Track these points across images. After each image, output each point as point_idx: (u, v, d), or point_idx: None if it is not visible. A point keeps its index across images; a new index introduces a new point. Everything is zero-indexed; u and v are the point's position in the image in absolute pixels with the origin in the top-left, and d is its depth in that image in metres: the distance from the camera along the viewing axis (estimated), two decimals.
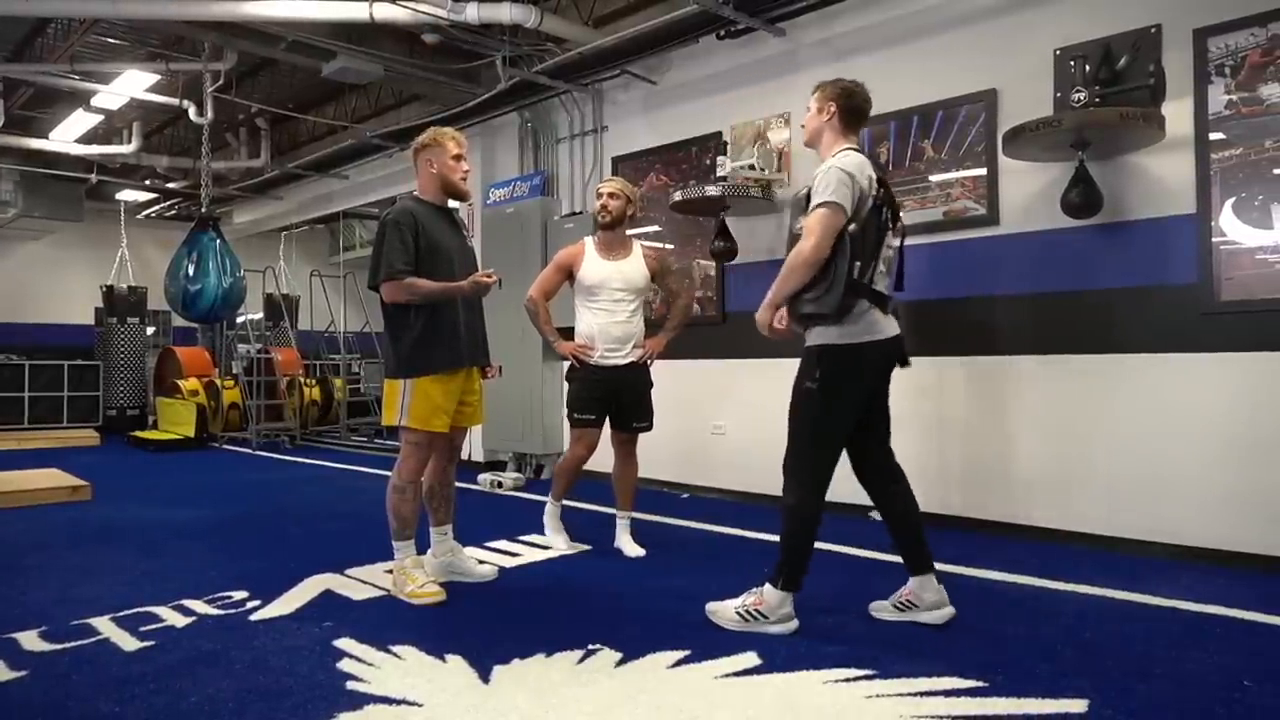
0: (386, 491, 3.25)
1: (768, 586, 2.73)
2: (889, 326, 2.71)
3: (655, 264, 3.89)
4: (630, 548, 3.83)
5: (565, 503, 4.08)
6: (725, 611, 2.78)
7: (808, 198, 2.73)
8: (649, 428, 3.89)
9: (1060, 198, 3.81)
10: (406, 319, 3.15)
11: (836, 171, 2.62)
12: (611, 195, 3.79)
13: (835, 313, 2.61)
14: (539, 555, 3.82)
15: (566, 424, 4.01)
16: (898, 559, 3.65)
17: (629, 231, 3.94)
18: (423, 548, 3.34)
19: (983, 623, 2.79)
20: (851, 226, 2.60)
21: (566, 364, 3.91)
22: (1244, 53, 3.49)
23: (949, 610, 2.77)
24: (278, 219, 11.33)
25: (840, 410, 2.72)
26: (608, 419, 3.85)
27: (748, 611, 2.73)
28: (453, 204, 3.39)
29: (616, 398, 3.80)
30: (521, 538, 4.15)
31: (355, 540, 4.07)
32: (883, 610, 2.86)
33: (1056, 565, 3.48)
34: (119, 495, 5.65)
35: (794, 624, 2.72)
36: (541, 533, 4.10)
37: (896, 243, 2.79)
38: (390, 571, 3.31)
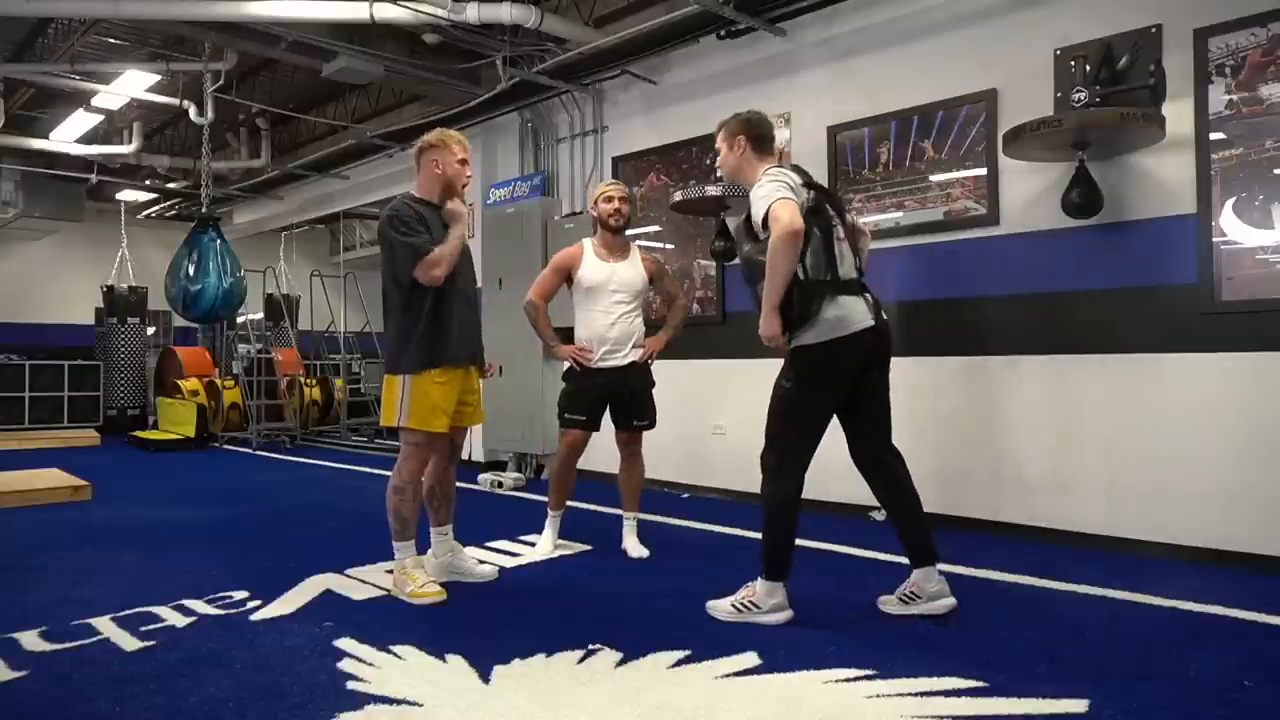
0: (386, 492, 3.24)
1: (758, 579, 2.84)
2: (861, 318, 2.76)
3: (653, 267, 3.90)
4: (635, 548, 3.84)
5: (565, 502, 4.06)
6: (722, 606, 2.88)
7: (748, 220, 2.82)
8: (650, 426, 3.88)
9: (1060, 198, 3.81)
10: (412, 315, 3.15)
11: (768, 182, 2.73)
12: (623, 199, 3.78)
13: (800, 316, 2.70)
14: (539, 555, 3.82)
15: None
16: (897, 559, 3.67)
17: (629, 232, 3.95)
18: (423, 548, 3.35)
19: (983, 623, 2.79)
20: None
21: (566, 364, 3.91)
22: (1244, 53, 3.49)
23: (950, 600, 2.81)
24: (278, 219, 11.33)
25: (814, 406, 2.81)
26: (611, 419, 3.85)
27: (741, 604, 2.83)
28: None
29: (614, 399, 3.81)
30: (521, 538, 4.15)
31: (355, 540, 4.08)
32: (889, 604, 2.90)
33: (1056, 565, 3.48)
34: (119, 495, 5.65)
35: (787, 614, 2.79)
36: (541, 533, 4.10)
37: (843, 233, 2.86)
38: (390, 571, 3.31)
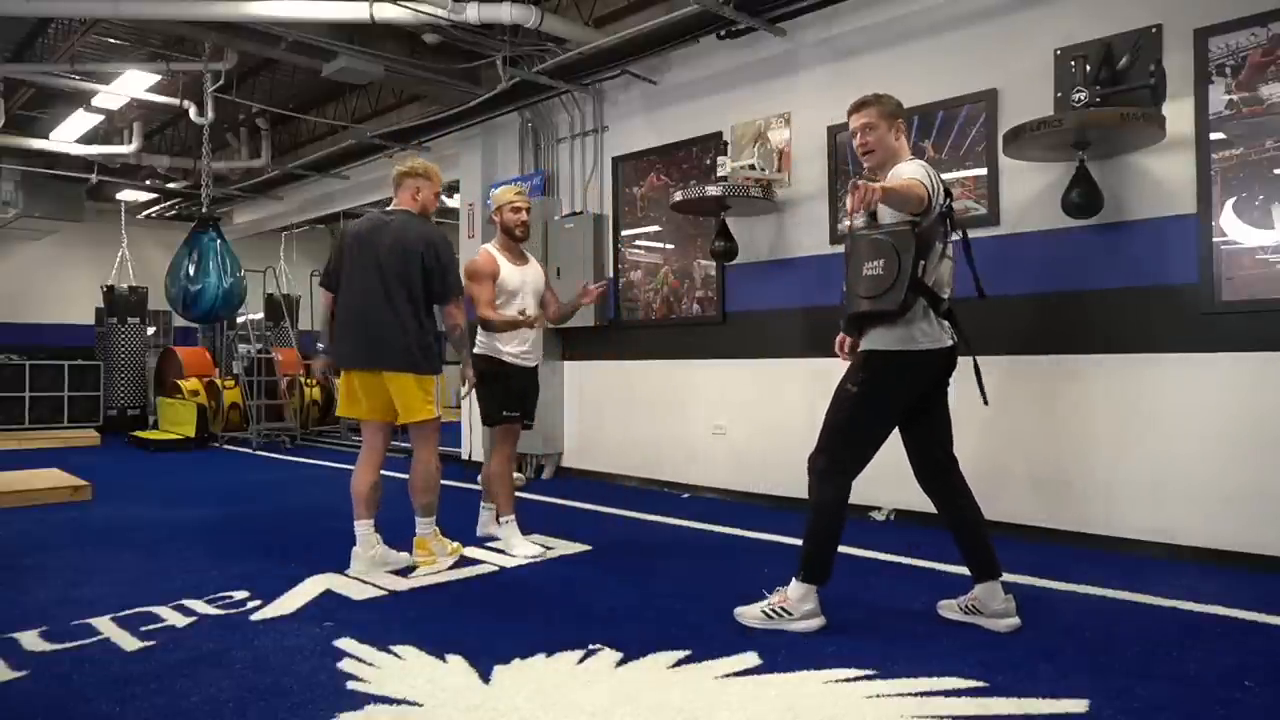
0: (424, 480, 3.57)
1: (793, 582, 2.74)
2: (941, 336, 2.70)
3: (545, 273, 4.13)
4: (527, 546, 3.85)
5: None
6: (751, 612, 2.78)
7: (865, 230, 2.68)
8: (532, 424, 4.18)
9: (1060, 198, 3.81)
10: (431, 322, 3.51)
11: (922, 169, 2.63)
12: (528, 210, 3.99)
13: (899, 309, 2.57)
14: (530, 555, 3.81)
15: (484, 430, 4.21)
16: (897, 558, 3.67)
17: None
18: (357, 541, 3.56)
19: None
20: (923, 225, 2.59)
21: (487, 368, 3.90)
22: (1245, 53, 3.49)
23: (1014, 621, 2.72)
24: (278, 219, 11.33)
25: (877, 415, 2.73)
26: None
27: (772, 610, 2.74)
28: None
29: (526, 396, 4.04)
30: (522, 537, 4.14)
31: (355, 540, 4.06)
32: (948, 610, 2.84)
33: (1056, 565, 3.48)
34: (119, 495, 5.66)
35: (819, 621, 2.71)
36: (542, 533, 4.11)
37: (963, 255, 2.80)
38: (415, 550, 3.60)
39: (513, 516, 3.94)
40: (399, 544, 3.64)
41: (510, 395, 3.95)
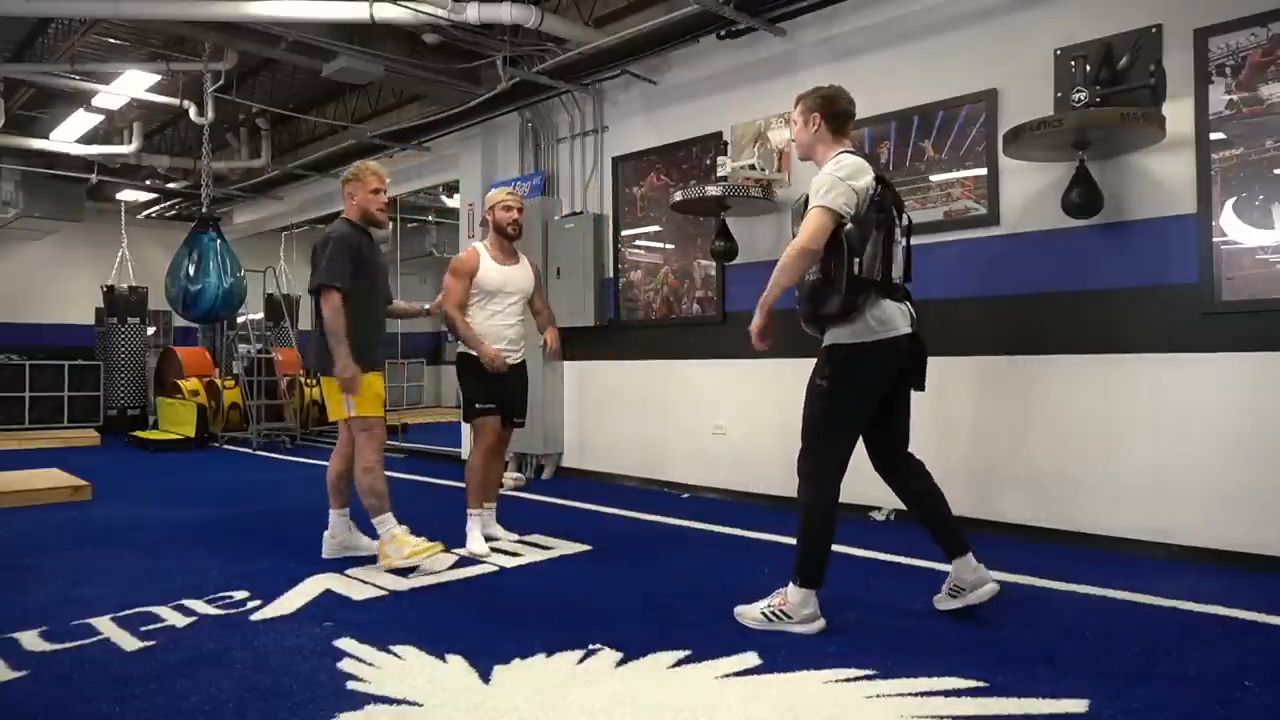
0: (357, 481, 3.58)
1: (790, 586, 2.75)
2: (901, 323, 2.72)
3: (535, 275, 4.11)
4: (477, 544, 3.85)
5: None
6: (751, 612, 2.79)
7: (806, 203, 2.77)
8: (524, 422, 4.16)
9: (1061, 198, 3.81)
10: (352, 322, 3.49)
11: (830, 177, 2.67)
12: (521, 210, 4.00)
13: (842, 312, 2.64)
14: (539, 555, 3.82)
15: (465, 426, 4.23)
16: (897, 558, 3.67)
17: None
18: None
19: (983, 623, 2.79)
20: (848, 226, 2.63)
21: (472, 363, 3.95)
22: (1245, 53, 3.49)
23: (992, 585, 2.77)
24: (278, 219, 11.33)
25: (850, 408, 2.74)
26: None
27: (772, 612, 2.74)
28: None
29: (509, 392, 3.99)
30: (523, 538, 4.14)
31: None
32: (943, 602, 2.87)
33: (1056, 565, 3.48)
34: (119, 495, 5.66)
35: (819, 624, 2.71)
36: (542, 533, 4.11)
37: (903, 239, 2.81)
38: (379, 550, 3.55)
39: (479, 512, 3.96)
40: None
41: (489, 391, 3.92)
